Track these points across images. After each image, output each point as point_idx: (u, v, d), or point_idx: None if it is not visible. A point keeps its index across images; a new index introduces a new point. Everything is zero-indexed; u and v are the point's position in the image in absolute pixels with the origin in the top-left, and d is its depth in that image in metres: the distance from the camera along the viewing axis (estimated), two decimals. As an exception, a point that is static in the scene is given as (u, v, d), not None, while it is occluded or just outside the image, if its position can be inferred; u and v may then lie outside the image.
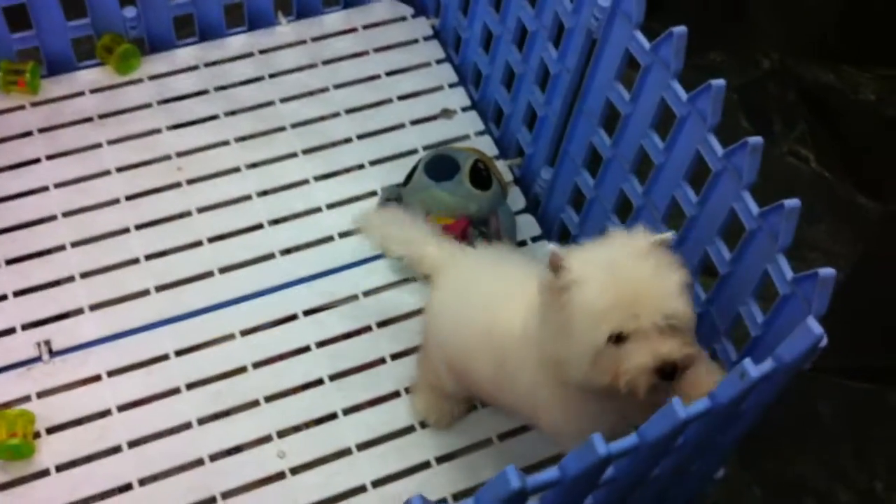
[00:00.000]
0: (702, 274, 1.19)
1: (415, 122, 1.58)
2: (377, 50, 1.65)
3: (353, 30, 1.67)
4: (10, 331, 1.35)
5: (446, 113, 1.59)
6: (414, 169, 1.44)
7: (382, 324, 1.40)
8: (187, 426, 1.30)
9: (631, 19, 1.17)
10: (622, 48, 1.20)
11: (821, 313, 0.98)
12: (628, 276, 0.93)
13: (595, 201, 1.36)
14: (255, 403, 1.32)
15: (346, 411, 1.32)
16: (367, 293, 1.42)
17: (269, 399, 1.32)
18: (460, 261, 1.24)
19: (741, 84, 1.78)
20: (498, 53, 1.51)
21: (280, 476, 1.27)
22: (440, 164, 1.41)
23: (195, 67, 1.61)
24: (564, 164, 1.41)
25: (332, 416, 1.32)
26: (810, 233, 1.63)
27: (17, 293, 1.38)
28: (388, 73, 1.63)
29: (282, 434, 1.30)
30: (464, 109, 1.60)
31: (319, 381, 1.35)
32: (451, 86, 1.62)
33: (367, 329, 1.39)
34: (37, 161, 1.49)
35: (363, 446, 1.30)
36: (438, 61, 1.65)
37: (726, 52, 1.82)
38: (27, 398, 1.30)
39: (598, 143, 1.31)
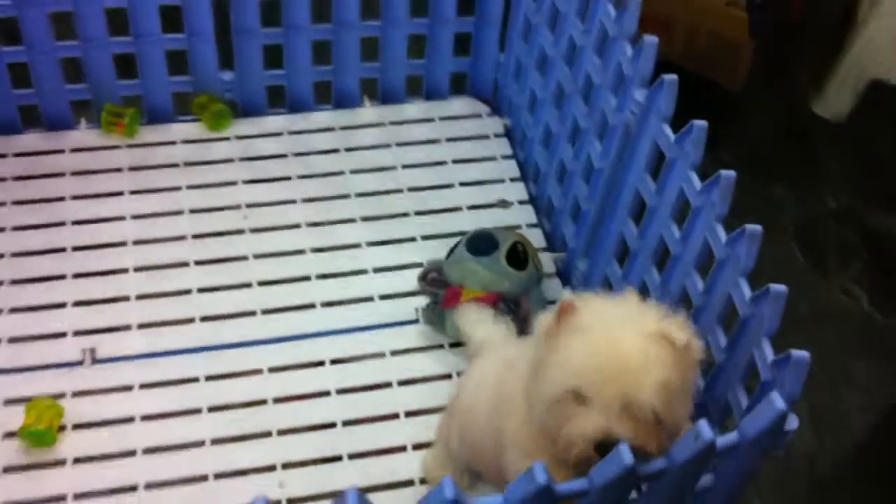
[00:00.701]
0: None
1: (471, 208, 1.66)
2: (449, 139, 1.76)
3: (431, 120, 1.79)
4: (62, 335, 1.46)
5: (503, 203, 1.68)
6: (458, 243, 1.51)
7: (403, 383, 1.45)
8: (200, 444, 1.37)
9: (661, 113, 1.24)
10: (652, 141, 1.27)
11: (793, 396, 0.99)
12: (617, 348, 0.94)
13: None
14: (268, 434, 1.38)
15: (352, 456, 1.37)
16: (394, 352, 1.48)
17: (281, 433, 1.38)
18: (503, 343, 1.30)
19: (801, 218, 1.81)
20: (556, 151, 1.59)
21: (275, 504, 1.32)
22: (481, 240, 1.48)
23: (280, 134, 1.74)
24: (598, 256, 1.46)
25: (337, 458, 1.37)
26: (851, 369, 1.62)
27: (77, 303, 1.49)
28: (455, 161, 1.73)
29: (286, 466, 1.35)
30: (520, 202, 1.68)
31: (332, 425, 1.40)
32: (512, 180, 1.71)
33: (388, 385, 1.45)
34: (120, 194, 1.63)
35: (361, 492, 1.33)
36: (505, 157, 1.75)
37: (791, 188, 1.85)
38: (62, 395, 1.39)
39: (628, 235, 1.37)
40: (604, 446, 0.94)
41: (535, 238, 1.62)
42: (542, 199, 1.66)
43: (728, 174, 1.13)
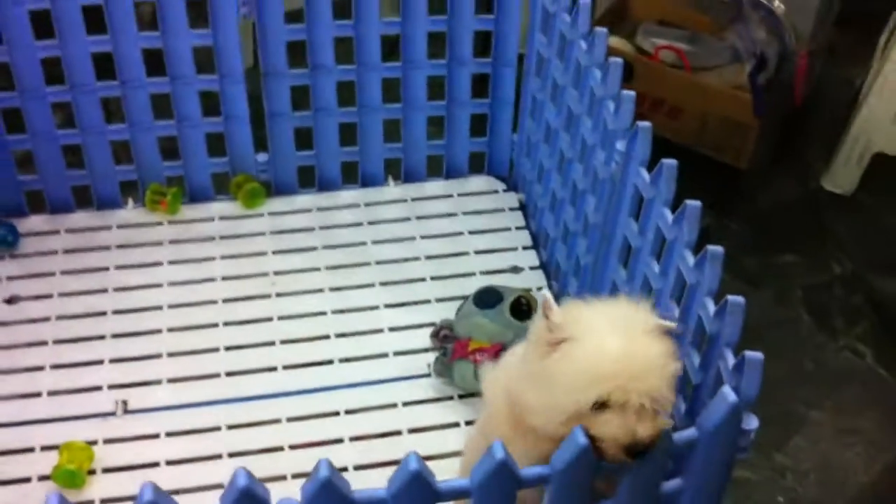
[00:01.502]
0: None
1: (484, 273, 1.75)
2: (466, 213, 1.87)
3: (450, 196, 1.91)
4: (98, 388, 1.57)
5: (515, 269, 1.76)
6: (466, 299, 1.60)
7: (413, 430, 1.52)
8: (219, 486, 1.44)
9: (639, 158, 1.33)
10: (633, 186, 1.36)
11: (750, 396, 1.04)
12: (633, 349, 0.98)
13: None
14: (283, 478, 1.46)
15: (361, 497, 1.43)
16: (405, 403, 1.56)
17: (295, 476, 1.46)
18: None
19: (808, 284, 1.86)
20: (560, 215, 1.69)
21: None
22: (486, 295, 1.57)
23: (309, 210, 1.87)
24: (598, 307, 1.53)
25: (347, 499, 1.43)
26: (858, 423, 1.65)
27: (113, 360, 1.61)
28: (471, 232, 1.83)
29: (298, 505, 1.42)
30: (532, 268, 1.77)
31: (344, 469, 1.47)
32: (524, 248, 1.81)
33: (398, 433, 1.52)
34: (159, 264, 1.76)
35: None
36: (518, 227, 1.85)
37: (800, 256, 1.92)
38: (95, 442, 1.49)
39: (619, 281, 1.44)
40: (633, 449, 0.98)
41: (545, 300, 1.70)
42: (552, 264, 1.75)
43: (693, 204, 1.21)
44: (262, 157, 1.87)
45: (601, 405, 0.99)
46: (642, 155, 1.33)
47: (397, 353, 1.63)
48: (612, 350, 0.99)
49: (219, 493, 1.42)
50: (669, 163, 1.27)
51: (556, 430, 1.02)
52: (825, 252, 1.92)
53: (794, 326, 1.79)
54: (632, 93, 1.38)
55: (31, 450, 1.48)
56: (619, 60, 1.43)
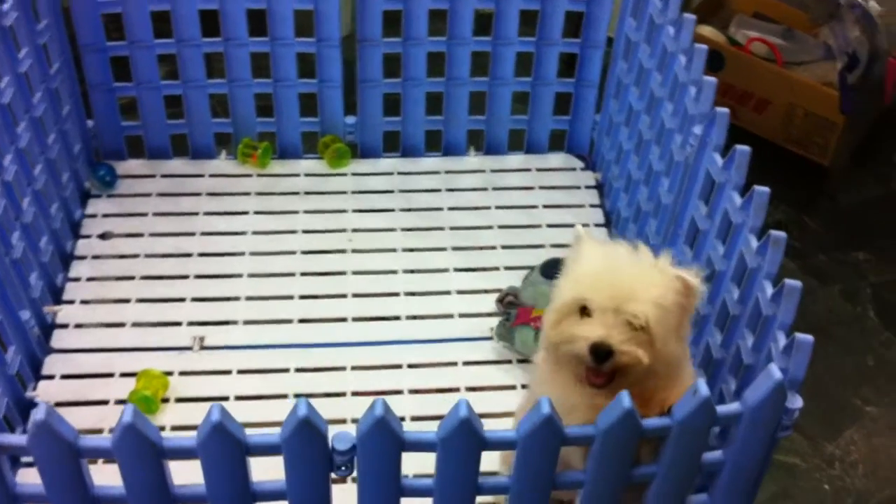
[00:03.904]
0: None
1: (554, 246, 1.80)
2: (542, 187, 1.92)
3: (528, 170, 1.95)
4: (178, 323, 1.66)
5: (585, 245, 1.80)
6: (532, 269, 1.65)
7: (471, 389, 1.58)
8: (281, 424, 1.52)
9: (713, 143, 1.36)
10: (706, 171, 1.39)
11: (797, 377, 1.07)
12: (617, 266, 1.09)
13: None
14: (343, 421, 1.53)
15: (415, 447, 1.49)
16: (466, 363, 1.61)
17: (355, 420, 1.51)
18: None
19: (878, 282, 1.86)
20: (634, 195, 1.72)
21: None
22: (553, 266, 1.60)
23: (390, 173, 1.94)
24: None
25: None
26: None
27: (195, 299, 1.70)
28: (545, 206, 1.87)
29: (355, 450, 1.49)
30: (602, 245, 1.81)
31: (402, 419, 1.52)
32: (596, 225, 1.84)
33: (456, 389, 1.57)
34: (245, 213, 1.85)
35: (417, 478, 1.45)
36: (592, 205, 1.88)
37: (872, 254, 1.92)
38: (171, 373, 1.58)
39: (684, 261, 1.47)
40: (597, 348, 1.05)
41: (613, 278, 1.73)
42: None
43: (761, 190, 1.23)
44: (350, 119, 1.93)
45: (584, 311, 1.08)
46: (717, 140, 1.36)
47: (462, 315, 1.68)
48: (596, 263, 1.11)
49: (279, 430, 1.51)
50: (742, 149, 1.29)
51: (552, 336, 1.11)
52: (898, 252, 1.93)
53: (860, 323, 1.80)
54: (713, 79, 1.40)
55: (110, 375, 1.58)
56: (704, 47, 1.45)
